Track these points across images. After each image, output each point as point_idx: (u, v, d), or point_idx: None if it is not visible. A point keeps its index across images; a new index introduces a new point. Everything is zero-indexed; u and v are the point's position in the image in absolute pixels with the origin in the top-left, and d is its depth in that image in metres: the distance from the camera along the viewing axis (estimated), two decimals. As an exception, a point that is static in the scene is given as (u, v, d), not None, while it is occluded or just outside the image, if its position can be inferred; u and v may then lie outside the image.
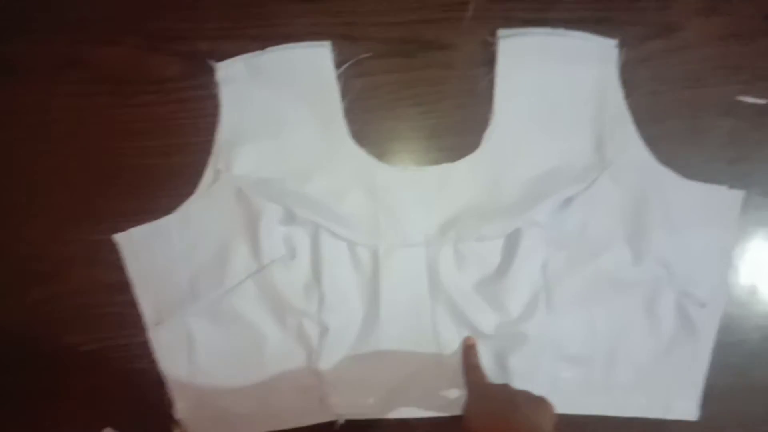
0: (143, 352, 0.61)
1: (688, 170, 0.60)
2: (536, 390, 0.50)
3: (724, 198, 0.60)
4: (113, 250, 0.61)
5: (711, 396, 0.60)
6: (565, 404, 0.58)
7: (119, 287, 0.61)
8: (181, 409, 0.61)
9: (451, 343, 0.60)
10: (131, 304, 0.61)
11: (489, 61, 0.61)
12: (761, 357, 0.62)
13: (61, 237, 0.63)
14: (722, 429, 0.62)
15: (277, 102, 0.61)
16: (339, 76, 0.61)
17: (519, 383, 0.57)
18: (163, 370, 0.61)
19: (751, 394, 0.62)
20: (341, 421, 0.61)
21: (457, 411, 0.59)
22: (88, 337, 0.63)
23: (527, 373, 0.59)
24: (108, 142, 0.63)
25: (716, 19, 0.62)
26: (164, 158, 0.62)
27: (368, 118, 0.62)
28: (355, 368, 0.60)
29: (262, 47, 0.61)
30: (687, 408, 0.61)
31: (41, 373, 0.63)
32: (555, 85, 0.60)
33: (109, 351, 0.63)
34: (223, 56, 0.61)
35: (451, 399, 0.61)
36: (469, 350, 0.59)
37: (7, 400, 0.63)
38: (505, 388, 0.52)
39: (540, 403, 0.49)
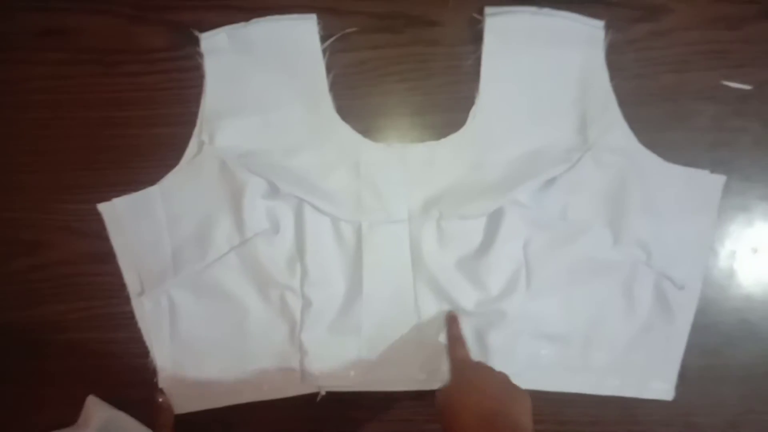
0: (126, 321, 0.62)
1: (670, 154, 0.60)
2: (514, 367, 0.51)
3: (706, 182, 0.60)
4: (97, 220, 0.61)
5: (686, 377, 0.61)
6: (542, 381, 0.60)
7: (102, 257, 0.61)
8: (163, 378, 0.62)
9: (432, 319, 0.61)
10: (115, 274, 0.61)
11: (476, 38, 0.60)
12: (736, 339, 0.62)
13: (44, 206, 0.63)
14: (697, 409, 0.63)
15: (262, 75, 0.61)
16: (324, 51, 0.60)
17: (498, 360, 0.58)
18: (147, 340, 0.62)
19: (726, 376, 0.63)
20: (322, 393, 0.61)
21: (435, 386, 0.60)
22: (72, 307, 0.63)
23: (506, 349, 0.59)
24: (92, 112, 0.62)
25: (704, 3, 0.61)
26: (148, 129, 0.62)
27: (353, 94, 0.62)
28: (336, 342, 0.61)
29: (248, 19, 0.60)
30: (663, 388, 0.61)
31: (24, 344, 0.63)
32: (541, 64, 0.60)
33: (92, 320, 0.63)
34: (208, 27, 0.60)
35: (430, 374, 0.61)
36: (452, 322, 0.59)
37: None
38: (484, 374, 0.52)
39: (518, 397, 0.48)
